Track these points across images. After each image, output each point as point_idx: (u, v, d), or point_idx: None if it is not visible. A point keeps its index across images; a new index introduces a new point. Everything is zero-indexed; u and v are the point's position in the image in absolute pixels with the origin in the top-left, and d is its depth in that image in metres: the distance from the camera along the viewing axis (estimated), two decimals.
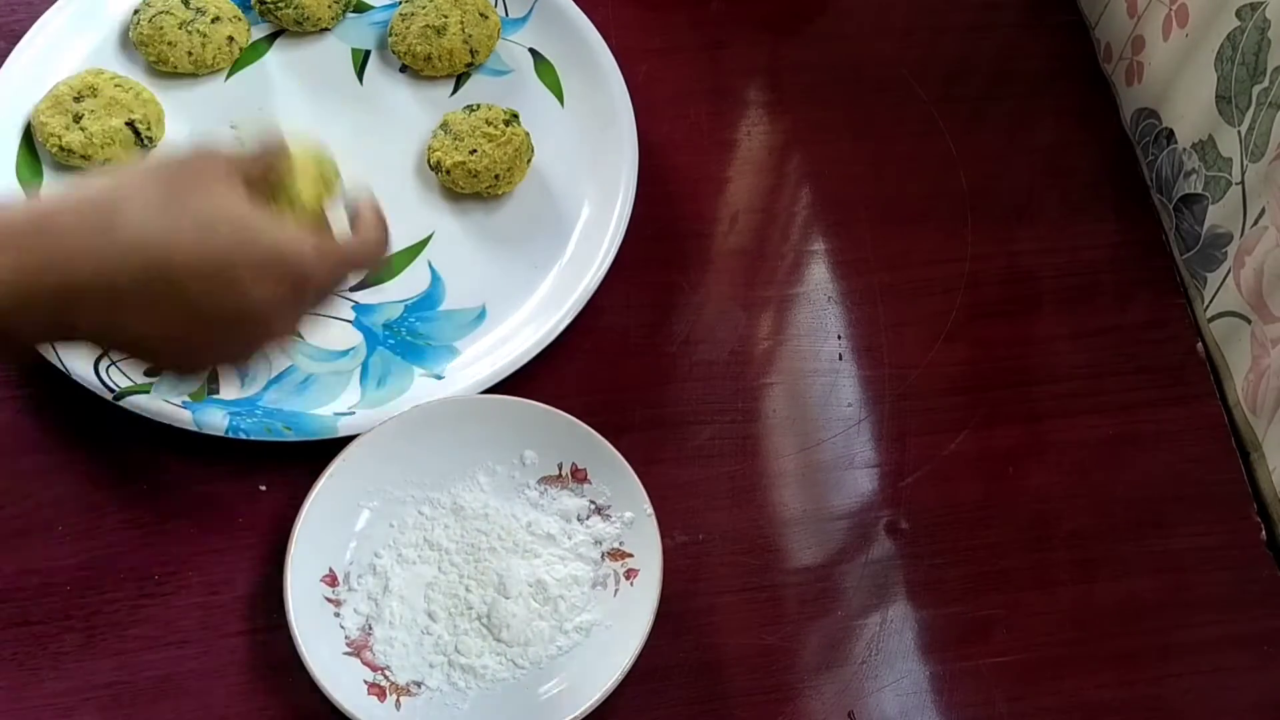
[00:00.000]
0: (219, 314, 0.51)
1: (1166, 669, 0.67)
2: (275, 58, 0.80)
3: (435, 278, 0.74)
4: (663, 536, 0.65)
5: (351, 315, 0.73)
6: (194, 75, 0.79)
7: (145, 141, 0.75)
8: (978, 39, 0.86)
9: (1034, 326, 0.76)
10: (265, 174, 0.54)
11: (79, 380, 0.68)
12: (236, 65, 0.80)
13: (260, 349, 0.55)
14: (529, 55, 0.81)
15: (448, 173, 0.74)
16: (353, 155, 0.77)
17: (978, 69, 0.85)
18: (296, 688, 0.62)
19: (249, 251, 0.51)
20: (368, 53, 0.81)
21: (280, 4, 0.79)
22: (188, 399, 0.69)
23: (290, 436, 0.67)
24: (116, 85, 0.75)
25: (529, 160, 0.76)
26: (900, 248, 0.78)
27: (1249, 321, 0.72)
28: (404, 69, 0.80)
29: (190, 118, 0.78)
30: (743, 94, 0.83)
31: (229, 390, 0.69)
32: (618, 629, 0.64)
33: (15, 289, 0.47)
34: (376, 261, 0.59)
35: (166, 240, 0.49)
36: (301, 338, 0.60)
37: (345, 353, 0.71)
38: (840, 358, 0.74)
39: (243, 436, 0.67)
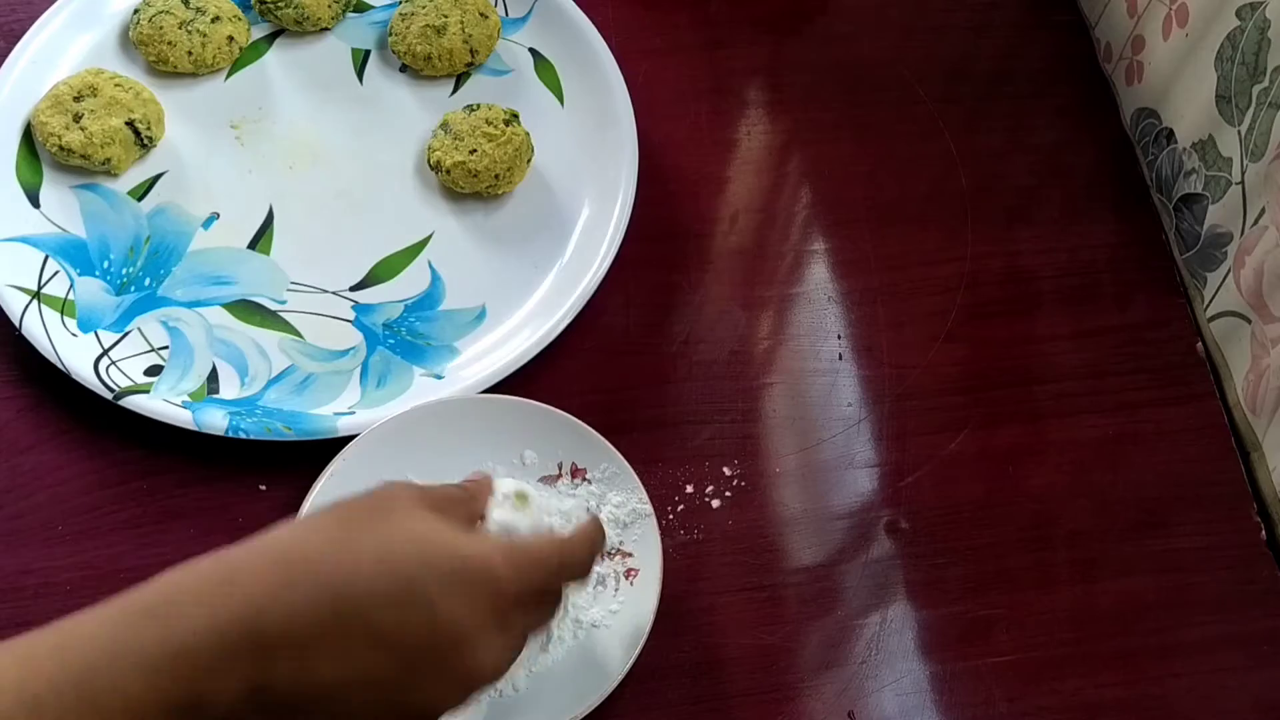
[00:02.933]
0: (414, 642, 0.46)
1: (1166, 669, 0.67)
2: (275, 57, 0.80)
3: (435, 278, 0.74)
4: (663, 536, 0.65)
5: (351, 315, 0.73)
6: (194, 75, 0.79)
7: (145, 141, 0.75)
8: (978, 39, 0.86)
9: (1034, 326, 0.76)
10: (462, 504, 0.53)
11: (79, 380, 0.68)
12: (236, 65, 0.80)
13: (474, 688, 0.49)
14: (529, 55, 0.81)
15: (448, 172, 0.74)
16: (353, 155, 0.78)
17: (978, 69, 0.85)
18: None
19: (433, 565, 0.47)
20: (368, 52, 0.81)
21: (280, 4, 0.79)
22: (188, 399, 0.69)
23: (290, 436, 0.67)
24: (116, 85, 0.75)
25: (529, 160, 0.76)
26: (900, 248, 0.78)
27: (1249, 321, 0.72)
28: (404, 69, 0.80)
29: (190, 117, 0.78)
30: (743, 94, 0.83)
31: (229, 390, 0.70)
32: (618, 629, 0.64)
33: (210, 643, 0.44)
34: (584, 561, 0.54)
35: (347, 568, 0.46)
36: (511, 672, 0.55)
37: (345, 352, 0.71)
38: (840, 358, 0.74)
39: (243, 436, 0.67)
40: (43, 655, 0.45)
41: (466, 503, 0.53)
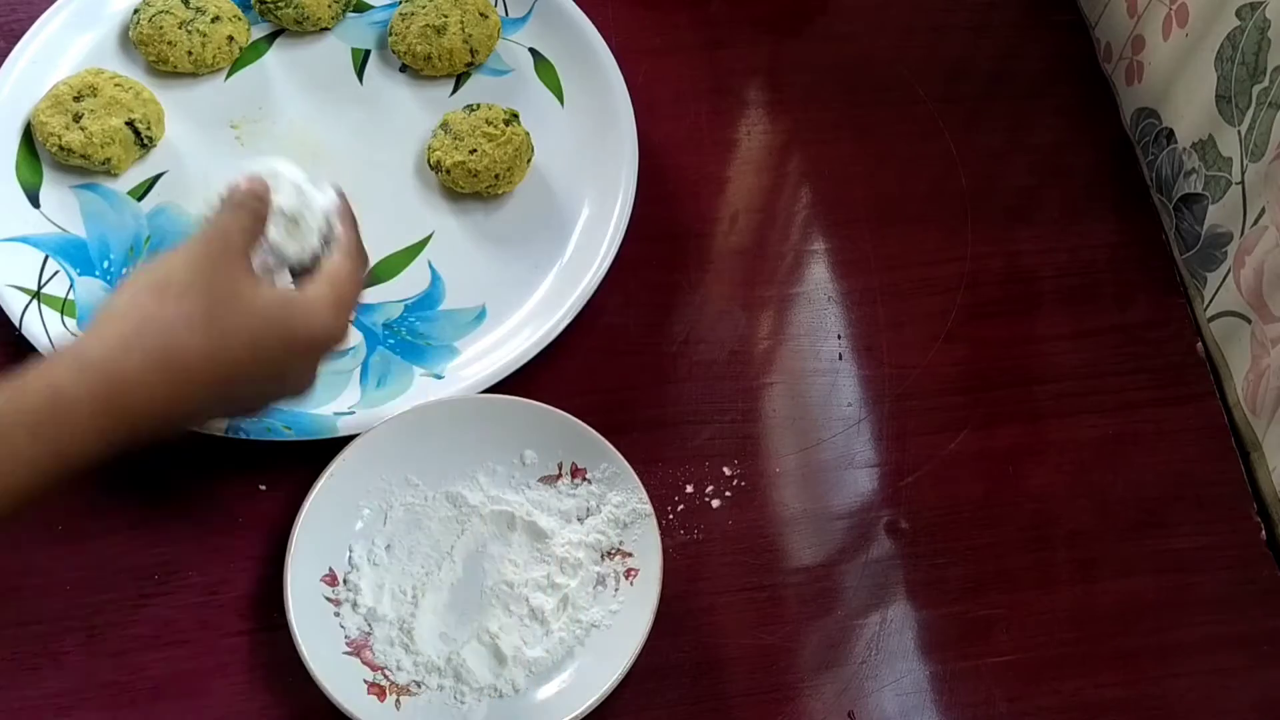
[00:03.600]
0: (261, 396, 0.60)
1: (1166, 669, 0.67)
2: (275, 57, 0.80)
3: (435, 277, 0.74)
4: (663, 536, 0.65)
5: (351, 315, 0.72)
6: (194, 75, 0.79)
7: (145, 141, 0.75)
8: (978, 39, 0.86)
9: (1034, 326, 0.76)
10: (254, 233, 0.60)
11: None
12: (236, 65, 0.80)
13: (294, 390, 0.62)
14: (529, 55, 0.81)
15: (448, 172, 0.74)
16: (353, 155, 0.78)
17: (978, 69, 0.85)
18: (296, 688, 0.62)
19: (294, 347, 0.58)
20: (368, 52, 0.81)
21: (280, 4, 0.79)
22: None
23: (290, 436, 0.67)
24: (116, 85, 0.75)
25: (529, 160, 0.76)
26: (900, 248, 0.78)
27: (1249, 321, 0.72)
28: (404, 69, 0.80)
29: (190, 117, 0.78)
30: (743, 94, 0.83)
31: None
32: (618, 629, 0.64)
33: (97, 450, 0.53)
34: (364, 269, 0.64)
35: (228, 371, 0.56)
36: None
37: (345, 352, 0.71)
38: (840, 358, 0.74)
39: (243, 436, 0.67)
40: None
41: (255, 230, 0.60)
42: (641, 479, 0.66)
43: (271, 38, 0.81)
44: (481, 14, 0.79)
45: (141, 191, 0.75)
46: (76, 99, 0.74)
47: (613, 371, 0.73)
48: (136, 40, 0.78)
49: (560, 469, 0.68)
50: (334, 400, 0.70)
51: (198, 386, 0.56)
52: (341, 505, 0.66)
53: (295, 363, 0.59)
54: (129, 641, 0.65)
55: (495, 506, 0.67)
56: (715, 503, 0.69)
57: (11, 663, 0.64)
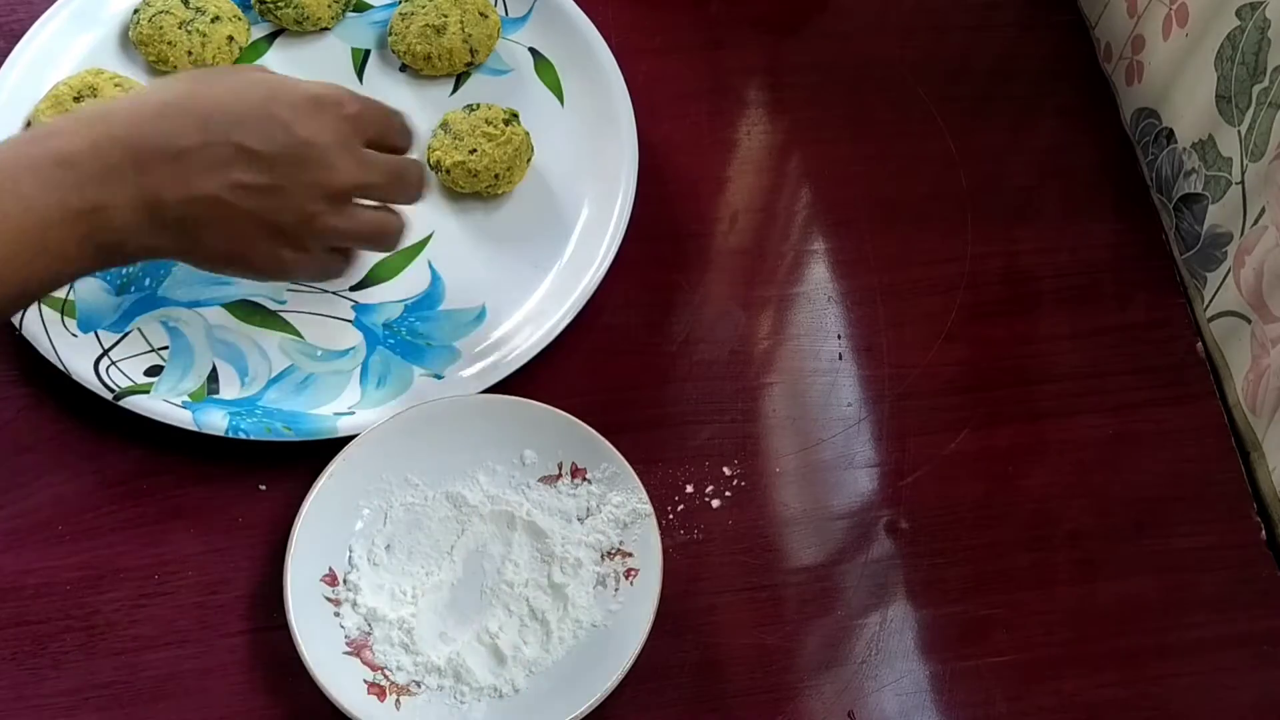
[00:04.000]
0: (276, 152, 0.57)
1: (1166, 669, 0.67)
2: (275, 57, 0.80)
3: (435, 277, 0.74)
4: (663, 536, 0.65)
5: (351, 315, 0.73)
6: None
7: None
8: (978, 39, 0.86)
9: (1034, 326, 0.76)
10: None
11: (79, 380, 0.68)
12: (236, 65, 0.80)
13: (335, 197, 0.59)
14: (529, 55, 0.81)
15: (447, 172, 0.74)
16: None
17: (978, 69, 0.85)
18: (296, 688, 0.62)
19: (284, 96, 0.58)
20: (367, 52, 0.81)
21: (280, 3, 0.79)
22: (188, 399, 0.69)
23: (290, 436, 0.67)
24: (116, 85, 0.75)
25: (529, 160, 0.76)
26: (900, 248, 0.78)
27: (1249, 321, 0.72)
28: (404, 68, 0.80)
29: None
30: (743, 94, 0.83)
31: (229, 390, 0.70)
32: (618, 629, 0.64)
33: (90, 157, 0.53)
34: (401, 122, 0.65)
35: (209, 100, 0.57)
36: (379, 185, 0.63)
37: (345, 352, 0.71)
38: (840, 358, 0.74)
39: (243, 436, 0.67)
40: None
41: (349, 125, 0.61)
42: (641, 479, 0.66)
43: (271, 38, 0.81)
44: (481, 13, 0.79)
45: None
46: (76, 99, 0.74)
47: (613, 371, 0.73)
48: (136, 40, 0.78)
49: (560, 469, 0.68)
50: (334, 400, 0.70)
51: (177, 112, 0.56)
52: (341, 505, 0.66)
53: (296, 116, 0.58)
54: (129, 641, 0.65)
55: (495, 506, 0.67)
56: (715, 503, 0.69)
57: (11, 663, 0.64)
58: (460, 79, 0.80)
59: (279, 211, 0.58)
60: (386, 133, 0.64)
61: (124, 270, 0.72)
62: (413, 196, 0.65)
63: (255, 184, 0.57)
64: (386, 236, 0.64)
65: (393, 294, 0.73)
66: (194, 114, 0.56)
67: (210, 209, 0.56)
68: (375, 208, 0.64)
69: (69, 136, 0.54)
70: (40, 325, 0.69)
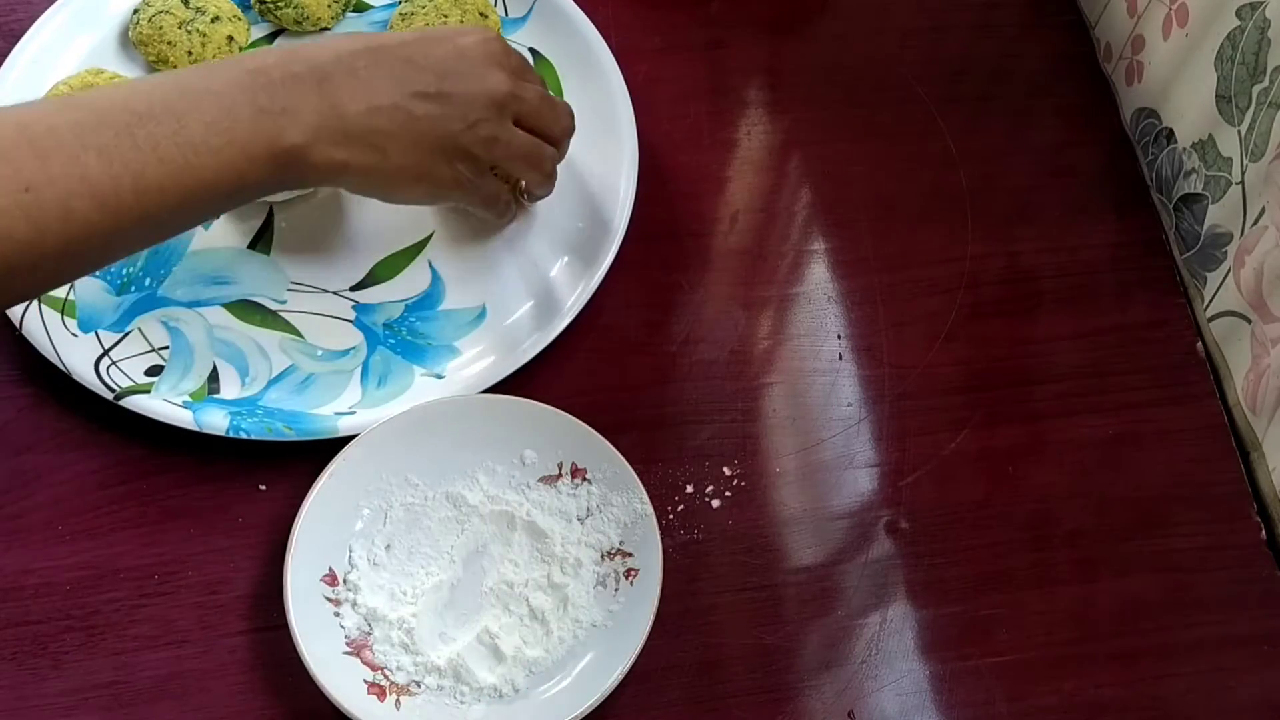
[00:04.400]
0: (443, 60, 0.63)
1: (1166, 669, 0.67)
2: None
3: (435, 277, 0.74)
4: (663, 536, 0.65)
5: (352, 315, 0.73)
6: None
7: None
8: (978, 39, 0.86)
9: (1034, 326, 0.76)
10: None
11: (79, 380, 0.68)
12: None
13: (495, 107, 0.64)
14: (529, 54, 0.81)
15: None
16: None
17: (978, 69, 0.85)
18: (296, 688, 0.62)
19: (441, 29, 0.66)
20: None
21: (280, 3, 0.79)
22: (188, 399, 0.69)
23: (290, 436, 0.67)
24: (116, 85, 0.75)
25: None
26: (900, 248, 0.78)
27: (1249, 321, 0.72)
28: None
29: None
30: (743, 94, 0.83)
31: (230, 390, 0.70)
32: (618, 629, 0.64)
33: (279, 70, 0.59)
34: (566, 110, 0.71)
35: (371, 35, 0.63)
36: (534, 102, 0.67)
37: (346, 352, 0.71)
38: (840, 357, 0.74)
39: (243, 436, 0.67)
40: (145, 84, 0.58)
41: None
42: (641, 479, 0.66)
43: (271, 38, 0.81)
44: (481, 13, 0.79)
45: None
46: None
47: (613, 371, 0.73)
48: (136, 40, 0.78)
49: (560, 469, 0.68)
50: (334, 400, 0.70)
51: (349, 41, 0.61)
52: (341, 505, 0.66)
53: (458, 32, 0.64)
54: (129, 641, 0.65)
55: (495, 506, 0.67)
56: (715, 503, 0.69)
57: (11, 663, 0.64)
58: None
59: (450, 120, 0.63)
60: (541, 109, 0.67)
61: (124, 270, 0.72)
62: (565, 127, 0.70)
63: (427, 91, 0.62)
64: (542, 160, 0.69)
65: (393, 294, 0.73)
66: (361, 40, 0.62)
67: (391, 118, 0.61)
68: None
69: (258, 56, 0.59)
70: (40, 325, 0.69)
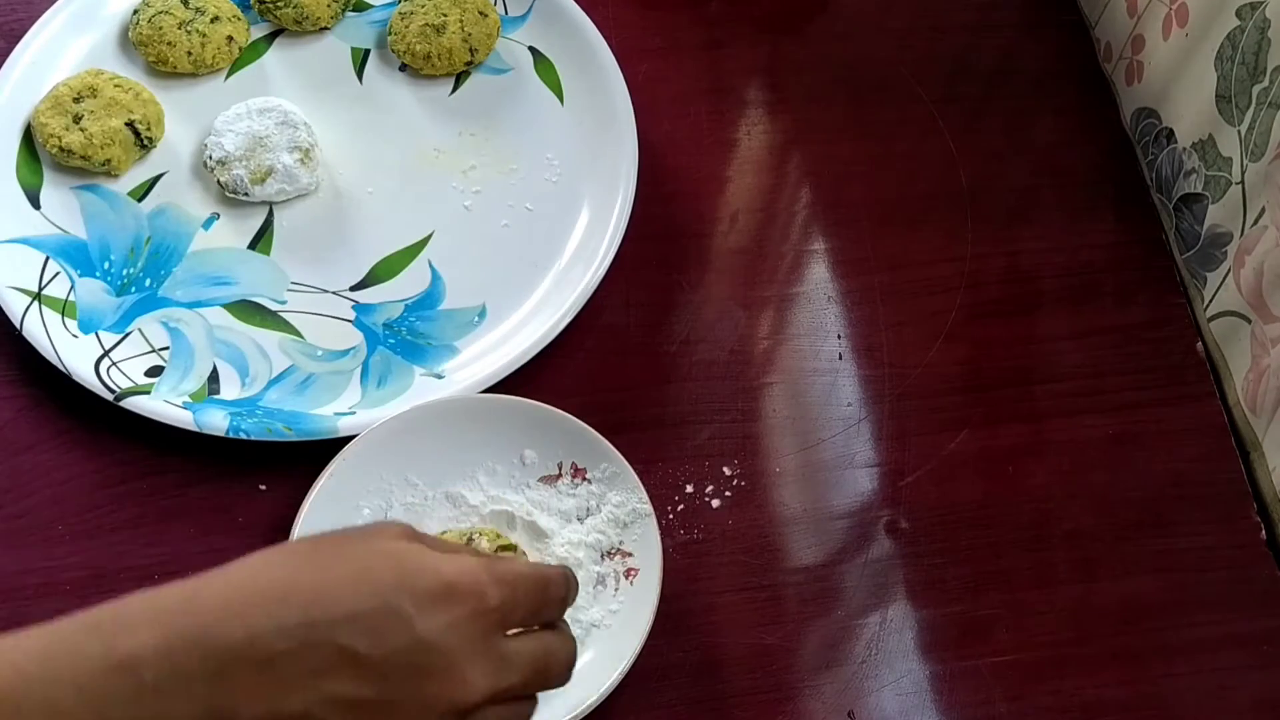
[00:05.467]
0: (392, 663, 0.43)
1: (1166, 669, 0.67)
2: (275, 57, 0.80)
3: (435, 277, 0.74)
4: (663, 536, 0.65)
5: (352, 315, 0.73)
6: (194, 75, 0.79)
7: (145, 142, 0.75)
8: (978, 39, 0.86)
9: (1034, 326, 0.76)
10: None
11: (79, 380, 0.68)
12: (236, 65, 0.80)
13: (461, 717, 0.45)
14: (529, 54, 0.81)
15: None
16: (352, 154, 0.78)
17: (978, 69, 0.85)
18: None
19: (411, 583, 0.44)
20: (367, 52, 0.81)
21: (279, 3, 0.79)
22: (188, 399, 0.69)
23: (290, 436, 0.67)
24: (116, 85, 0.75)
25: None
26: (900, 248, 0.78)
27: (1249, 321, 0.72)
28: (403, 68, 0.80)
29: (190, 117, 0.78)
30: (743, 94, 0.83)
31: (230, 390, 0.70)
32: (618, 629, 0.64)
33: (158, 660, 0.42)
34: (561, 596, 0.50)
35: (315, 586, 0.44)
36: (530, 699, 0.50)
37: (345, 352, 0.71)
38: (840, 357, 0.74)
39: (243, 436, 0.67)
40: None
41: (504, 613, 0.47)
42: (641, 479, 0.66)
43: (271, 37, 0.81)
44: (481, 13, 0.79)
45: (142, 192, 0.75)
46: (76, 100, 0.74)
47: (613, 371, 0.73)
48: (136, 41, 0.78)
49: (560, 469, 0.68)
50: (334, 400, 0.70)
51: (278, 598, 0.43)
52: (341, 505, 0.66)
53: (421, 610, 0.44)
54: None
55: (495, 506, 0.67)
56: (715, 503, 0.69)
57: None
58: (460, 78, 0.80)
59: None
60: (540, 611, 0.49)
61: (124, 271, 0.72)
62: (562, 681, 0.50)
63: (356, 698, 0.43)
64: (549, 681, 0.50)
65: (393, 294, 0.73)
66: (296, 605, 0.43)
67: None
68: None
69: (137, 629, 0.43)
70: (41, 326, 0.70)
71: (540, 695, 0.59)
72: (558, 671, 0.50)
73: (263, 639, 0.43)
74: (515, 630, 0.48)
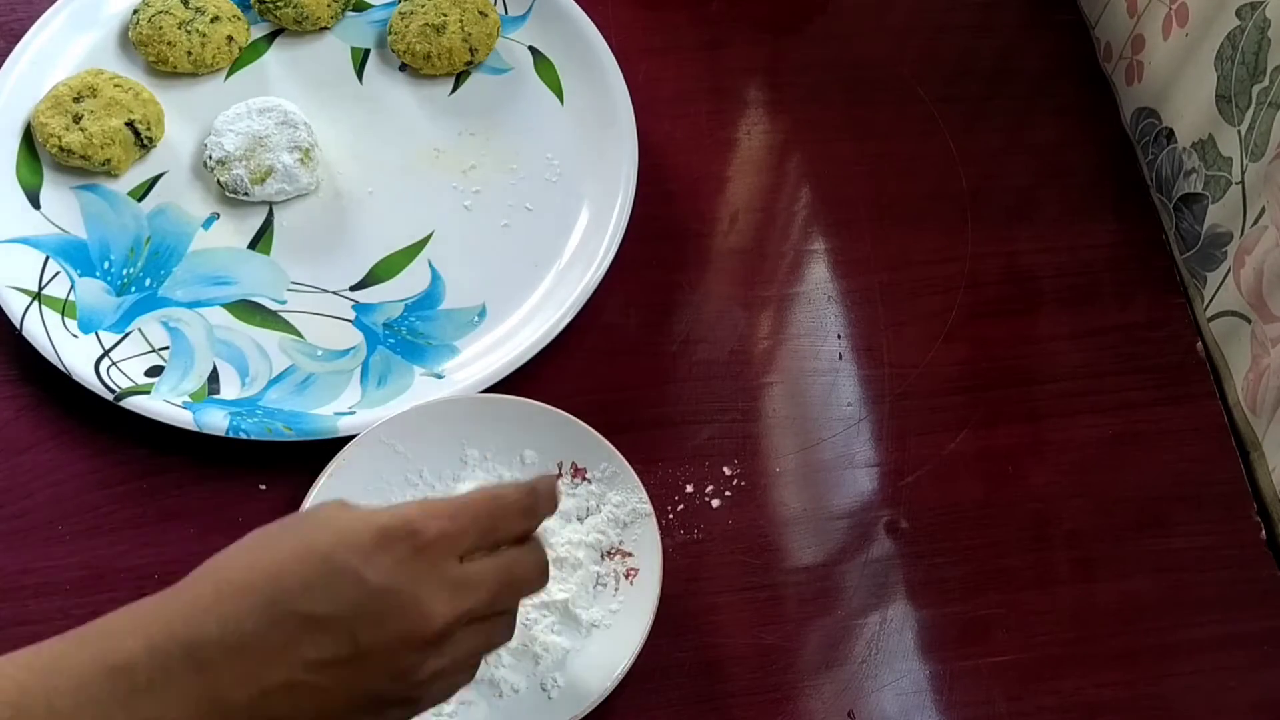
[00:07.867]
0: (351, 612, 0.46)
1: (1166, 669, 0.67)
2: (275, 57, 0.80)
3: (435, 277, 0.74)
4: (663, 536, 0.65)
5: (352, 315, 0.73)
6: (194, 75, 0.79)
7: (145, 142, 0.75)
8: (978, 39, 0.86)
9: (1034, 326, 0.76)
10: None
11: (79, 380, 0.68)
12: (236, 65, 0.80)
13: (432, 646, 0.48)
14: (529, 53, 0.81)
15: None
16: (352, 154, 0.78)
17: (978, 69, 0.85)
18: None
19: (349, 538, 0.47)
20: (367, 51, 0.81)
21: (280, 3, 0.79)
22: (188, 399, 0.69)
23: (290, 436, 0.67)
24: (116, 85, 0.75)
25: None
26: (900, 248, 0.78)
27: (1249, 321, 0.72)
28: (403, 68, 0.80)
29: (190, 117, 0.78)
30: (743, 94, 0.83)
31: (230, 390, 0.70)
32: (618, 629, 0.64)
33: (145, 660, 0.45)
34: (519, 516, 0.52)
35: (270, 568, 0.47)
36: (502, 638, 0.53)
37: (345, 352, 0.71)
38: (840, 357, 0.74)
39: (243, 436, 0.67)
40: None
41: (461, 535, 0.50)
42: (641, 479, 0.66)
43: (271, 37, 0.81)
44: (481, 12, 0.79)
45: (142, 192, 0.75)
46: (76, 100, 0.74)
47: (613, 371, 0.73)
48: (136, 41, 0.78)
49: (560, 469, 0.68)
50: (334, 400, 0.70)
51: (236, 591, 0.46)
52: None
53: (364, 560, 0.47)
54: None
55: None
56: (715, 502, 0.69)
57: None
58: (460, 78, 0.80)
59: (369, 679, 0.47)
60: (495, 531, 0.51)
61: (124, 270, 0.72)
62: (535, 588, 0.53)
63: (331, 657, 0.46)
64: (509, 633, 0.53)
65: (393, 293, 0.73)
66: (254, 590, 0.46)
67: (287, 699, 0.46)
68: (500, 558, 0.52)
69: (123, 637, 0.46)
70: (41, 325, 0.70)
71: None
72: (526, 579, 0.52)
73: (233, 627, 0.46)
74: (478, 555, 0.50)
